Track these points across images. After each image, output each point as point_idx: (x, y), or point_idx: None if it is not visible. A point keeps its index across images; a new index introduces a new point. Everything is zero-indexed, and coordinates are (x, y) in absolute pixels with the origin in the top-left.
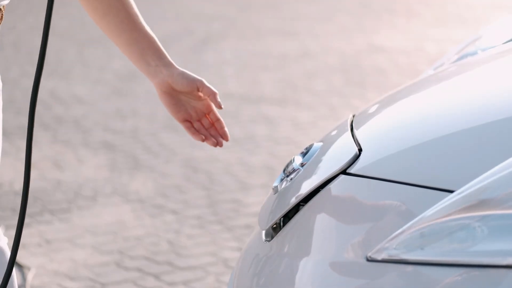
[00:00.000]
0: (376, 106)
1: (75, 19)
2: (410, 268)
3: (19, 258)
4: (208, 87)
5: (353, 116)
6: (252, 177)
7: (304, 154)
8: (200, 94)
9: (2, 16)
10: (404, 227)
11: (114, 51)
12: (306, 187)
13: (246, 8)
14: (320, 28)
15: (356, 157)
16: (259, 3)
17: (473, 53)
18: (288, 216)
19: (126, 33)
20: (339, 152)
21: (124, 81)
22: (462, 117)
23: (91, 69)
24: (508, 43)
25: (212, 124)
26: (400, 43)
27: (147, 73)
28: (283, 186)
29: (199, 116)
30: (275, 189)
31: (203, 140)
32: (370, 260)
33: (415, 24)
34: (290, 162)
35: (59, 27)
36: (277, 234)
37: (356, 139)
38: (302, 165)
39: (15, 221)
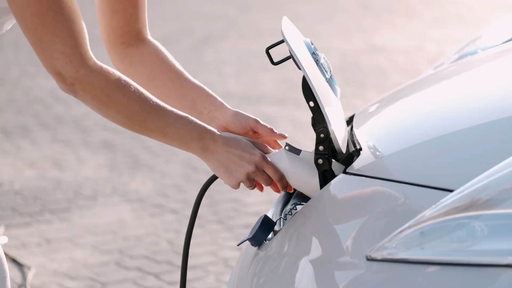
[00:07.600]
0: (376, 105)
1: None
2: (410, 267)
3: (19, 257)
4: (263, 126)
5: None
6: None
7: None
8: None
9: None
10: (404, 226)
11: None
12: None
13: (246, 8)
14: (320, 28)
15: None
16: (259, 3)
17: (473, 53)
18: (288, 216)
19: (173, 90)
20: None
21: None
22: (462, 116)
23: None
24: (508, 42)
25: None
26: (400, 43)
27: (202, 121)
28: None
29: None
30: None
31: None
32: (370, 259)
33: (415, 24)
34: None
35: None
36: (277, 234)
37: (356, 138)
38: None
39: (15, 221)
